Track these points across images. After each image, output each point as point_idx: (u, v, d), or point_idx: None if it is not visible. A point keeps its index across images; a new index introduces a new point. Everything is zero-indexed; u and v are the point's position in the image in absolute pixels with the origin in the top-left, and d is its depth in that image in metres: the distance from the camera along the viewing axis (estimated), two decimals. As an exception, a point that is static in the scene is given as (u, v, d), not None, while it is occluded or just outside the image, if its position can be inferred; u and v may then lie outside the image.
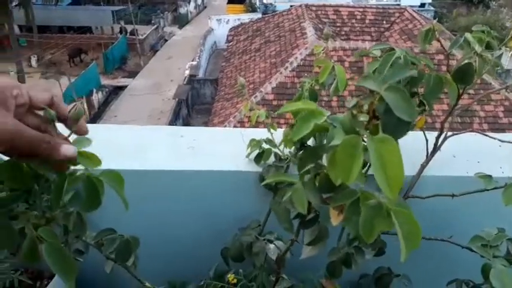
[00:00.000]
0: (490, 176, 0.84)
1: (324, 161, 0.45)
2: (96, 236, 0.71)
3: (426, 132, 0.92)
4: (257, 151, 0.87)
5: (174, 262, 1.03)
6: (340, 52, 8.75)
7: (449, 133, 0.91)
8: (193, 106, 12.27)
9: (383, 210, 0.42)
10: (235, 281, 0.81)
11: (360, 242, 0.66)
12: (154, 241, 0.93)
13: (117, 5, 20.34)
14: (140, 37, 17.89)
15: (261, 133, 0.95)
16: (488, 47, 0.83)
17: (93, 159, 0.50)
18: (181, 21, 21.30)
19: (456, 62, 0.85)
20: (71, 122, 0.49)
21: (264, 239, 0.78)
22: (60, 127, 0.51)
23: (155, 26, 19.87)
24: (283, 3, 14.42)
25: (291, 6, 12.15)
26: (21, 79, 13.96)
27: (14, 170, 0.48)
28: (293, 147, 0.87)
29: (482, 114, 7.61)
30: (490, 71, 0.84)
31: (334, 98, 7.51)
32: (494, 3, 20.64)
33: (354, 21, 10.98)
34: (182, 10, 21.70)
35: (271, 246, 0.76)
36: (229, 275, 0.82)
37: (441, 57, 8.04)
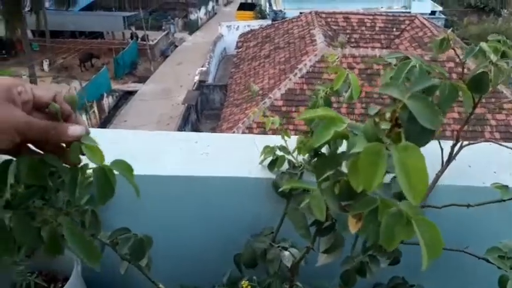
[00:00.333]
0: (506, 186, 0.83)
1: (344, 168, 0.45)
2: (111, 235, 0.72)
3: (441, 141, 0.91)
4: (271, 158, 0.87)
5: (185, 266, 1.03)
6: (350, 59, 8.75)
7: (465, 142, 0.90)
8: (202, 111, 12.33)
9: (403, 218, 0.42)
10: (249, 287, 0.81)
11: (375, 250, 0.66)
12: (167, 244, 0.93)
13: (129, 11, 20.57)
14: (151, 43, 18.07)
15: (274, 140, 0.95)
16: (504, 56, 0.83)
17: (97, 153, 0.50)
18: (192, 27, 21.48)
19: (468, 70, 0.85)
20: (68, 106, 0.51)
21: (278, 246, 0.78)
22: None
23: (166, 32, 20.06)
24: (293, 10, 14.46)
25: (301, 13, 12.20)
26: (33, 83, 14.14)
27: (31, 166, 0.49)
28: (307, 155, 0.87)
29: (493, 122, 7.53)
30: (504, 80, 0.83)
31: (344, 105, 7.50)
32: (505, 11, 20.50)
33: (363, 28, 10.98)
34: (192, 16, 21.89)
35: (286, 253, 0.76)
36: (243, 282, 0.81)
37: (451, 64, 7.99)
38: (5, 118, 0.43)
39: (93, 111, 13.29)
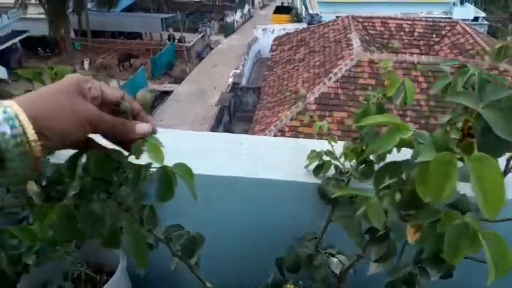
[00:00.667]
0: None
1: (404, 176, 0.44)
2: (165, 231, 0.73)
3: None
4: (316, 162, 0.86)
5: (225, 266, 1.04)
6: (387, 64, 8.56)
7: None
8: (235, 113, 12.43)
9: (469, 231, 0.40)
10: (295, 291, 0.81)
11: (428, 262, 0.64)
12: (209, 243, 0.94)
13: (167, 13, 21.04)
14: (187, 44, 18.41)
15: (318, 144, 0.95)
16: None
17: (158, 153, 0.52)
18: (227, 30, 21.71)
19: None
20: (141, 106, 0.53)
21: (326, 252, 0.77)
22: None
23: (202, 34, 20.38)
24: (329, 13, 14.33)
25: (337, 17, 12.07)
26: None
27: (98, 160, 0.51)
28: (353, 161, 0.86)
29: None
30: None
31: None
32: (553, 18, 19.49)
33: (402, 33, 10.74)
34: (229, 19, 22.13)
35: (334, 260, 0.75)
36: (288, 286, 0.81)
37: (495, 72, 7.68)
38: (78, 109, 0.45)
39: (130, 110, 13.61)
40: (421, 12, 15.05)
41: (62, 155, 0.54)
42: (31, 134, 0.40)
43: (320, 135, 0.91)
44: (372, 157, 0.82)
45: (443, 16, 14.67)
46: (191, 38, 19.30)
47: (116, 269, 0.98)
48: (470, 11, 15.49)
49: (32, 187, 0.91)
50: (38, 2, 16.42)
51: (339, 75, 8.50)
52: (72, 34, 18.40)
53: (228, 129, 11.73)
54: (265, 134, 7.67)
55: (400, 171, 0.46)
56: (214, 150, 1.01)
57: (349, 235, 0.54)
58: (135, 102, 0.52)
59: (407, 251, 0.78)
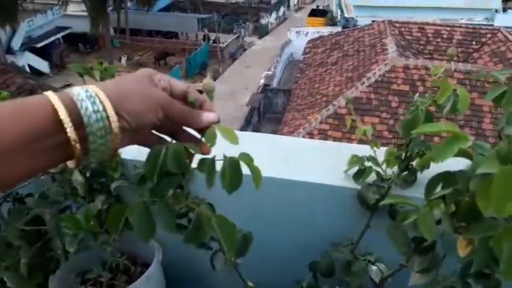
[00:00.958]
0: None
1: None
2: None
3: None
4: (357, 168, 0.85)
5: (256, 266, 1.04)
6: (422, 71, 8.37)
7: None
8: (265, 114, 12.44)
9: (528, 248, 0.39)
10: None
11: (475, 277, 0.62)
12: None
13: (203, 14, 21.33)
14: (221, 45, 18.59)
15: (359, 149, 0.93)
16: None
17: (232, 134, 0.53)
18: (262, 31, 21.77)
19: None
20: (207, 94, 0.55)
21: (365, 259, 0.76)
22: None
23: (236, 35, 20.52)
24: (365, 18, 14.12)
25: (373, 21, 11.88)
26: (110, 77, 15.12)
27: (176, 153, 0.51)
28: (395, 168, 0.84)
29: None
30: None
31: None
32: None
33: (439, 40, 10.45)
34: (263, 21, 22.18)
35: (374, 268, 0.74)
36: (325, 291, 0.80)
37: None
38: (152, 93, 0.47)
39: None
40: (461, 19, 14.57)
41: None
42: (110, 111, 0.42)
43: (349, 139, 0.89)
44: (414, 164, 0.80)
45: (485, 23, 14.15)
46: (225, 39, 19.47)
47: (149, 261, 1.00)
48: (513, 19, 14.87)
49: (77, 178, 0.94)
50: (80, -1, 17.04)
51: (372, 79, 8.36)
52: (112, 32, 18.95)
53: (257, 130, 11.76)
54: (294, 136, 7.64)
55: (454, 182, 0.44)
56: (249, 149, 1.01)
57: (396, 245, 0.53)
58: (199, 94, 0.54)
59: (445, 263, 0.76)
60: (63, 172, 0.92)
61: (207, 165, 0.52)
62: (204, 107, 0.54)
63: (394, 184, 0.80)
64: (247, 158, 0.53)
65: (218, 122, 0.53)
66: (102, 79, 0.85)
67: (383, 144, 0.94)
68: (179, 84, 0.52)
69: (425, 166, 0.78)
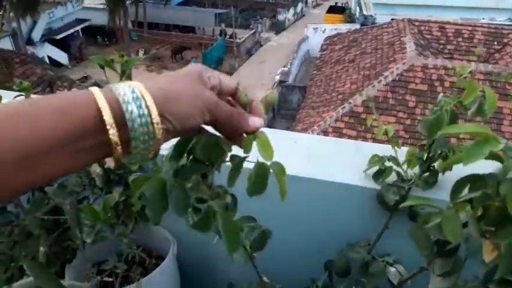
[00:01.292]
0: None
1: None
2: (239, 222, 0.74)
3: None
4: (377, 167, 0.84)
5: (271, 263, 1.04)
6: (441, 71, 8.23)
7: None
8: (279, 111, 12.41)
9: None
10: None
11: (498, 283, 0.60)
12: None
13: (221, 9, 21.35)
14: (238, 40, 18.58)
15: (377, 148, 0.92)
16: None
17: (269, 150, 0.53)
18: (278, 27, 21.67)
19: None
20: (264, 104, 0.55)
21: (383, 261, 0.75)
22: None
23: (253, 30, 20.47)
24: (384, 15, 13.92)
25: (392, 19, 11.71)
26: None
27: (207, 143, 0.51)
28: (416, 168, 0.82)
29: None
30: None
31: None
32: None
33: (460, 39, 10.24)
34: (280, 17, 22.06)
35: (392, 269, 0.73)
36: (341, 291, 0.80)
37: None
38: (201, 95, 0.45)
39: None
40: (483, 18, 14.25)
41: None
42: (155, 115, 0.41)
43: (365, 138, 0.88)
44: (436, 166, 0.79)
45: (507, 23, 13.81)
46: (242, 34, 19.45)
47: (164, 255, 1.01)
48: (538, 19, 14.48)
49: (95, 169, 0.95)
50: (99, -8, 17.23)
51: (390, 78, 8.26)
52: (130, 25, 19.12)
53: (271, 126, 11.73)
54: (308, 133, 7.60)
55: (483, 185, 0.43)
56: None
57: (418, 247, 0.52)
58: (244, 96, 0.52)
59: (465, 268, 0.74)
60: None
61: (233, 164, 0.51)
62: (253, 108, 0.52)
63: (414, 185, 0.79)
64: (280, 170, 0.53)
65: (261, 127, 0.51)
66: (122, 72, 0.85)
67: (398, 145, 0.92)
68: (229, 83, 0.50)
69: (447, 168, 0.76)
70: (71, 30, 17.70)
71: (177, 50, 18.33)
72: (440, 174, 0.80)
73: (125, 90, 0.41)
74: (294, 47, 14.72)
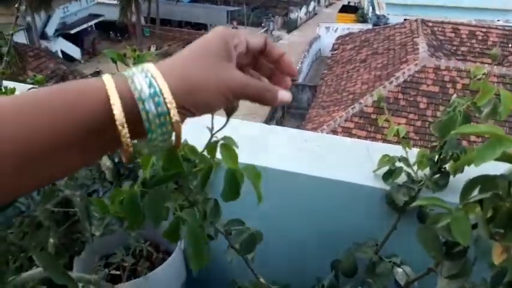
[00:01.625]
0: None
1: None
2: (226, 225, 0.74)
3: None
4: (387, 168, 0.83)
5: (276, 262, 1.04)
6: (454, 72, 8.14)
7: None
8: (289, 110, 12.39)
9: None
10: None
11: (506, 286, 0.59)
12: (265, 239, 0.94)
13: (233, 6, 21.36)
14: (249, 38, 18.56)
15: (387, 149, 0.91)
16: None
17: (233, 157, 0.53)
18: (290, 26, 21.60)
19: None
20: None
21: (390, 261, 0.75)
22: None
23: (265, 28, 20.46)
24: (397, 16, 13.80)
25: (405, 19, 11.60)
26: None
27: (169, 153, 0.50)
28: (427, 170, 0.82)
29: None
30: None
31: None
32: None
33: (473, 41, 10.11)
34: (292, 15, 21.99)
35: (399, 270, 0.72)
36: (347, 290, 0.79)
37: None
38: (224, 77, 0.41)
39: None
40: (498, 20, 14.04)
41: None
42: (174, 113, 0.38)
43: (374, 139, 0.87)
44: (447, 167, 0.78)
45: (524, 25, 13.60)
46: (254, 32, 19.45)
47: (171, 250, 1.01)
48: (555, 22, 14.22)
49: (105, 162, 0.96)
50: (112, -12, 17.35)
51: (401, 79, 8.19)
52: (142, 21, 19.22)
53: (280, 125, 11.67)
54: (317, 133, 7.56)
55: (494, 186, 0.42)
56: (277, 143, 1.00)
57: (426, 248, 0.52)
58: (275, 48, 0.49)
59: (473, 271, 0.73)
60: (93, 156, 0.93)
61: (203, 171, 0.52)
62: (284, 62, 0.49)
63: (424, 187, 0.78)
64: (254, 175, 0.52)
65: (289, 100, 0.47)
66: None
67: (409, 146, 0.91)
68: (257, 41, 0.47)
69: (458, 169, 0.75)
70: (85, 25, 17.85)
71: (189, 47, 18.39)
72: (451, 177, 0.79)
73: (141, 83, 0.37)
74: (305, 45, 14.67)
